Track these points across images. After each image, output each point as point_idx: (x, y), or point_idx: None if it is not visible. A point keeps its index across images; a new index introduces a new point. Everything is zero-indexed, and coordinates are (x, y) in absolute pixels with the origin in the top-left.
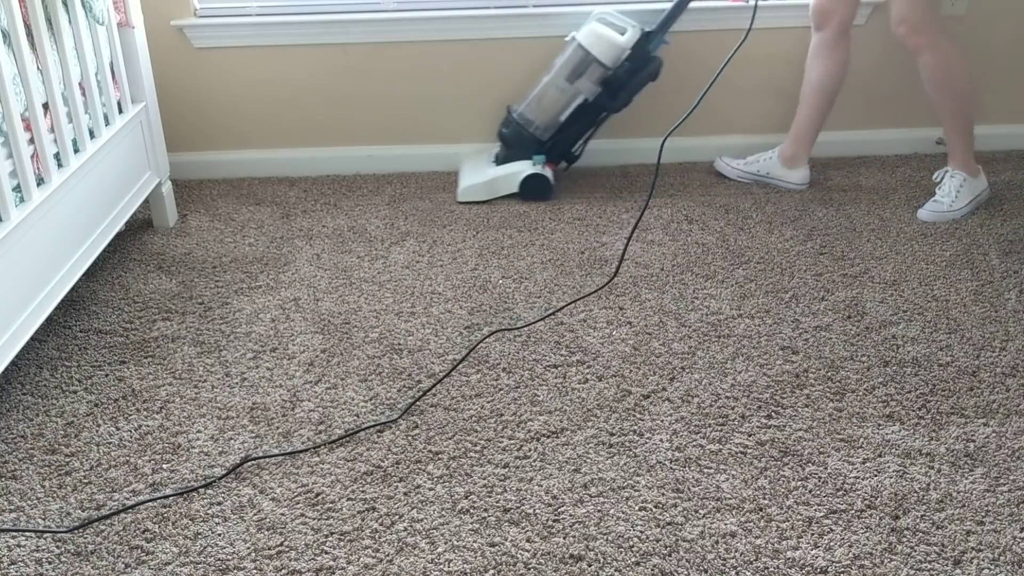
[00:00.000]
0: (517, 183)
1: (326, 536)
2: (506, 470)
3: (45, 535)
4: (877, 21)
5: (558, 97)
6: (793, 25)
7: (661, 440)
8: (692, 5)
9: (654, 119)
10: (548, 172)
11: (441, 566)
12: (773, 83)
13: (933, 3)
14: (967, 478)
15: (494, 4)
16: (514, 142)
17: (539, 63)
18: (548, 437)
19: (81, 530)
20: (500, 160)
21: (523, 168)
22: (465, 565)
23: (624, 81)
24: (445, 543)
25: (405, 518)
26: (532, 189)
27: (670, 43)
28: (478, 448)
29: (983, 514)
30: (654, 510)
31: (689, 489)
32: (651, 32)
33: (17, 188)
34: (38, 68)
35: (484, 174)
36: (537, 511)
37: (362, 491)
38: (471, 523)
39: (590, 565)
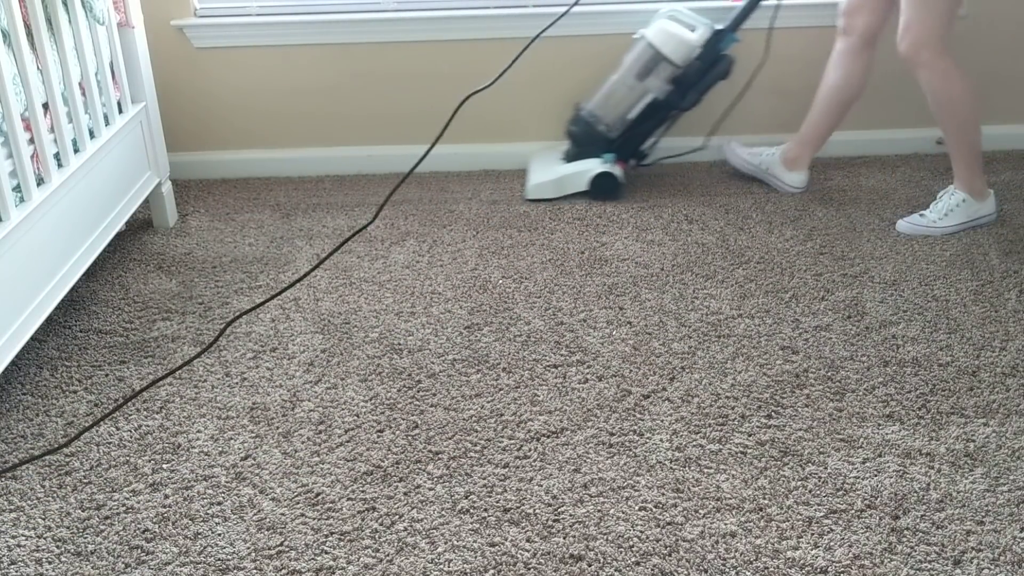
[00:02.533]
0: (586, 181)
1: (326, 536)
2: (506, 470)
3: (45, 536)
4: None
5: (627, 95)
6: (795, 25)
7: (661, 440)
8: (763, 3)
9: None
10: (618, 171)
11: (441, 566)
12: (776, 83)
13: (945, 21)
14: (967, 478)
15: (494, 4)
16: (583, 140)
17: (539, 63)
18: (548, 437)
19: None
20: (569, 158)
21: (592, 166)
22: (465, 565)
23: (694, 80)
24: (445, 543)
25: (405, 518)
26: (601, 188)
27: (741, 41)
28: (478, 448)
29: (983, 514)
30: (654, 510)
31: (689, 489)
32: (722, 30)
33: (17, 188)
34: (38, 68)
35: (553, 172)
36: (537, 511)
37: (362, 491)
38: (471, 523)
39: (590, 565)
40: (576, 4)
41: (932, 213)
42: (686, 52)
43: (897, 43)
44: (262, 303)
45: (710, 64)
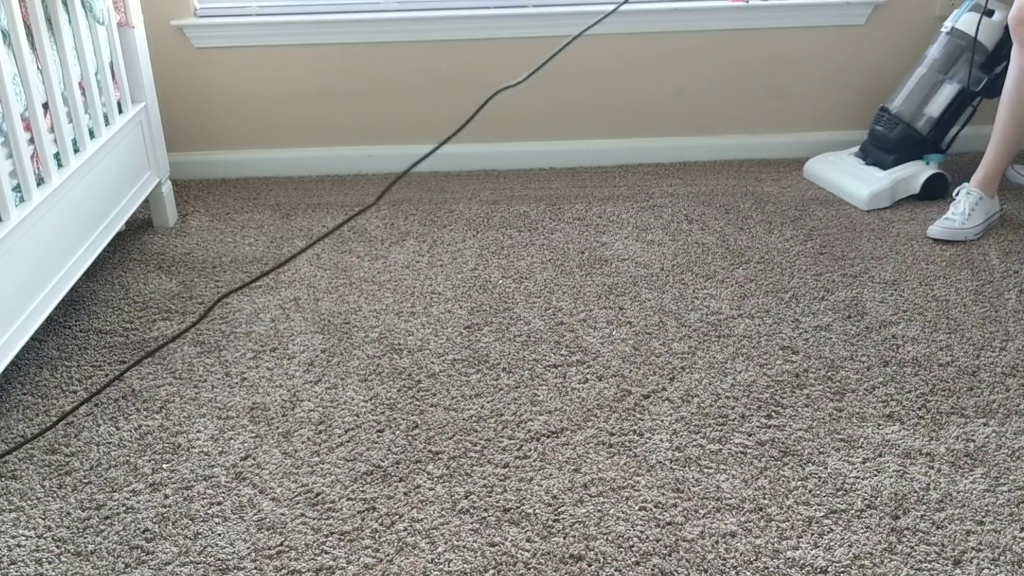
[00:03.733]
0: (919, 184)
1: (326, 536)
2: (506, 470)
3: (45, 536)
4: (877, 21)
5: (934, 88)
6: (792, 25)
7: (661, 440)
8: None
9: (653, 119)
10: (945, 171)
11: (441, 566)
12: (773, 83)
13: None
14: (967, 478)
15: (494, 4)
16: (895, 142)
17: (540, 63)
18: (548, 437)
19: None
20: (883, 162)
21: (921, 169)
22: (465, 565)
23: (1003, 60)
24: (445, 543)
25: (405, 518)
26: (933, 189)
27: None
28: (478, 448)
29: (983, 514)
30: (654, 510)
31: (689, 489)
32: None
33: (17, 188)
34: (38, 68)
35: (879, 178)
36: (537, 511)
37: (362, 491)
38: (471, 523)
39: (590, 565)
40: (624, 3)
41: (957, 215)
42: (995, 34)
43: (1010, 17)
44: (255, 280)
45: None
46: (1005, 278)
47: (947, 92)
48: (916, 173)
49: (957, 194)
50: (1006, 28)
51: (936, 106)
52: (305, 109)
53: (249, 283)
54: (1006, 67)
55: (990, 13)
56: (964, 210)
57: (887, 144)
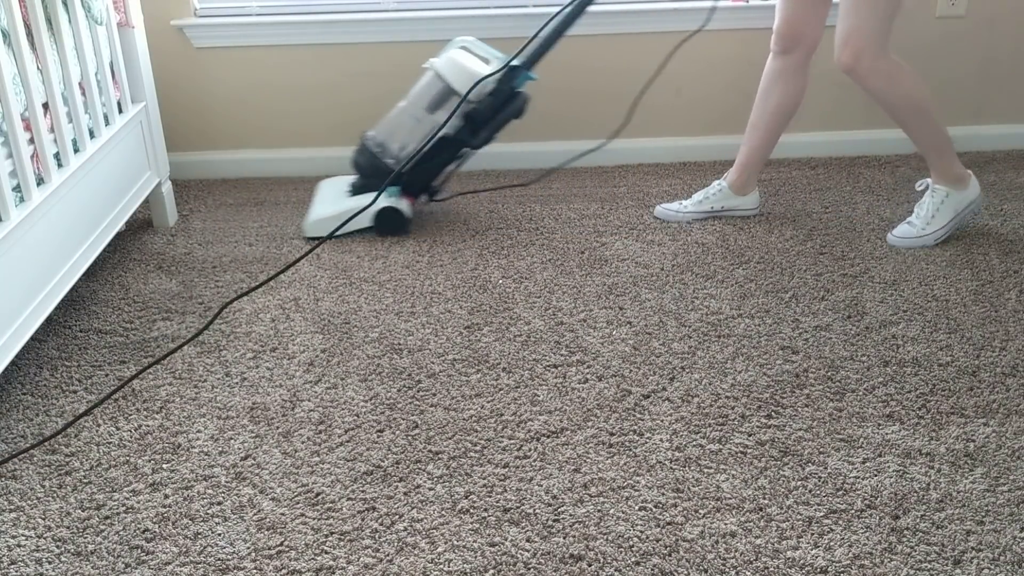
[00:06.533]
0: (370, 217)
1: (326, 536)
2: (506, 470)
3: (45, 536)
4: None
5: (415, 127)
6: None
7: (661, 440)
8: (583, 12)
9: (653, 119)
10: (404, 205)
11: (441, 566)
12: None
13: (885, 27)
14: (967, 478)
15: (494, 4)
16: (369, 171)
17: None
18: (548, 437)
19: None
20: (356, 190)
21: (376, 201)
22: (465, 565)
23: (487, 117)
24: (445, 543)
25: (405, 518)
26: (387, 223)
27: (538, 79)
28: (478, 448)
29: (983, 514)
30: (654, 510)
31: (689, 489)
32: (517, 66)
33: (17, 188)
34: (38, 68)
35: (335, 206)
36: (537, 511)
37: (362, 491)
38: (471, 523)
39: (590, 565)
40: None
41: (918, 220)
42: (480, 87)
43: (836, 58)
44: (260, 285)
45: (504, 101)
46: (1005, 278)
47: (429, 134)
48: (368, 205)
49: (923, 189)
50: (503, 86)
51: (416, 145)
52: (305, 109)
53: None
54: (492, 122)
55: (484, 61)
56: (926, 213)
57: (360, 171)
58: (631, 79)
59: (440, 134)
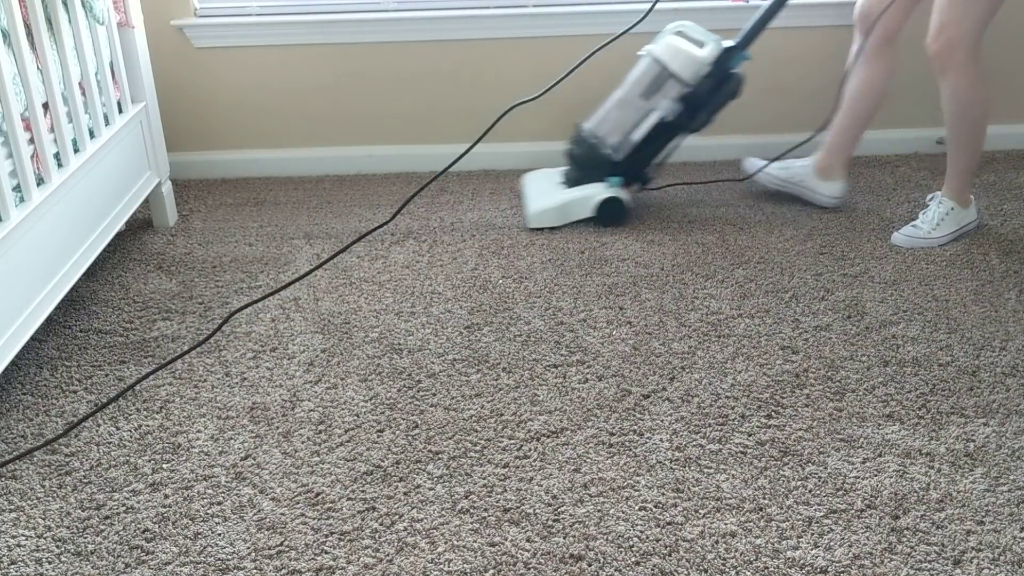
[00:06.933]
0: (592, 207)
1: (326, 536)
2: (506, 470)
3: (45, 536)
4: None
5: (632, 115)
6: (791, 25)
7: (661, 440)
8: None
9: None
10: (624, 195)
11: (441, 566)
12: (774, 83)
13: (981, 26)
14: (967, 478)
15: (494, 4)
16: (585, 162)
17: (539, 63)
18: (548, 437)
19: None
20: (571, 182)
21: (598, 191)
22: (465, 565)
23: (704, 99)
24: (445, 543)
25: (405, 518)
26: (608, 213)
27: (752, 59)
28: (478, 448)
29: (983, 514)
30: (654, 510)
31: (689, 489)
32: (732, 47)
33: (17, 188)
34: (38, 68)
35: (556, 197)
36: (537, 511)
37: (362, 491)
38: (471, 523)
39: (590, 565)
40: (656, 3)
41: (924, 224)
42: (696, 69)
43: (928, 43)
44: (264, 297)
45: (720, 82)
46: (1005, 278)
47: (646, 120)
48: (591, 195)
49: (930, 200)
50: (718, 68)
51: (632, 132)
52: (305, 109)
53: (267, 295)
54: (710, 104)
55: (699, 44)
56: (933, 219)
57: (577, 162)
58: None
59: (659, 119)
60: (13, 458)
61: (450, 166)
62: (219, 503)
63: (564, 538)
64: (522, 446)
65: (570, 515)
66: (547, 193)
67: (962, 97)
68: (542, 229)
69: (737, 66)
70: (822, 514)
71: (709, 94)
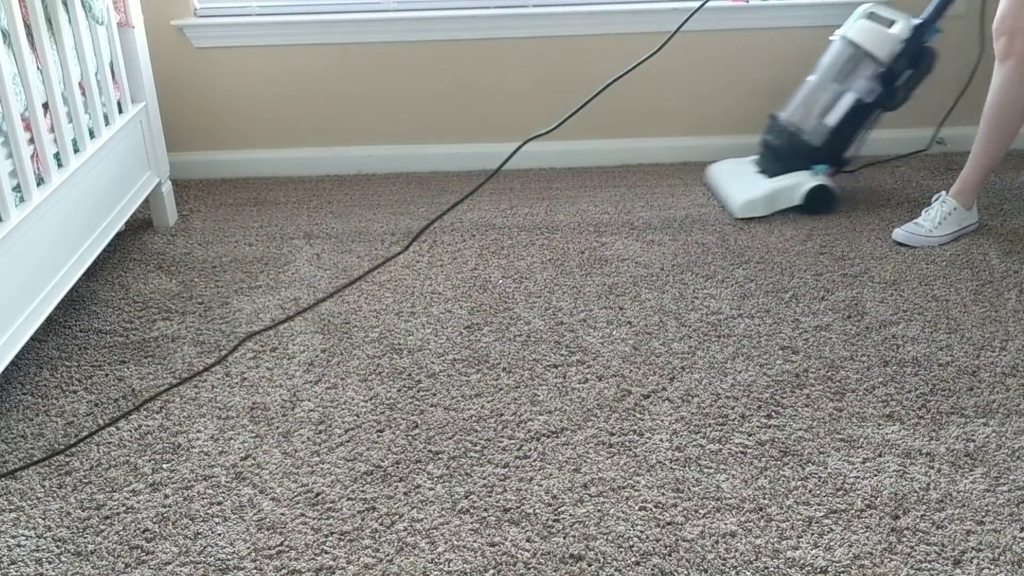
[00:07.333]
0: (800, 195)
1: (326, 536)
2: (506, 470)
3: (45, 536)
4: None
5: (828, 99)
6: (793, 25)
7: (661, 440)
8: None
9: (653, 119)
10: (831, 183)
11: (441, 566)
12: (773, 83)
13: None
14: (967, 478)
15: (494, 4)
16: (785, 151)
17: (539, 63)
18: (548, 437)
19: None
20: (770, 171)
21: (804, 179)
22: (465, 565)
23: (899, 76)
24: (445, 543)
25: (405, 518)
26: (817, 201)
27: (943, 32)
28: (478, 448)
29: (983, 514)
30: (654, 510)
31: (689, 489)
32: (923, 23)
33: (17, 188)
34: (38, 68)
35: (760, 187)
36: (537, 511)
37: (362, 491)
38: (471, 523)
39: (590, 565)
40: (705, 4)
41: (926, 222)
42: (891, 48)
43: (995, 26)
44: (284, 321)
45: (915, 59)
46: (1005, 278)
47: (842, 104)
48: (798, 184)
49: (934, 200)
50: (912, 44)
51: (829, 116)
52: (305, 109)
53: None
54: (907, 81)
55: (889, 24)
56: (935, 217)
57: (775, 152)
58: (634, 80)
59: (855, 101)
60: (17, 469)
61: (467, 196)
62: (219, 503)
63: (564, 538)
64: (522, 446)
65: (570, 515)
66: (750, 183)
67: (1009, 89)
68: (542, 229)
69: (930, 40)
70: (822, 514)
71: (904, 71)
